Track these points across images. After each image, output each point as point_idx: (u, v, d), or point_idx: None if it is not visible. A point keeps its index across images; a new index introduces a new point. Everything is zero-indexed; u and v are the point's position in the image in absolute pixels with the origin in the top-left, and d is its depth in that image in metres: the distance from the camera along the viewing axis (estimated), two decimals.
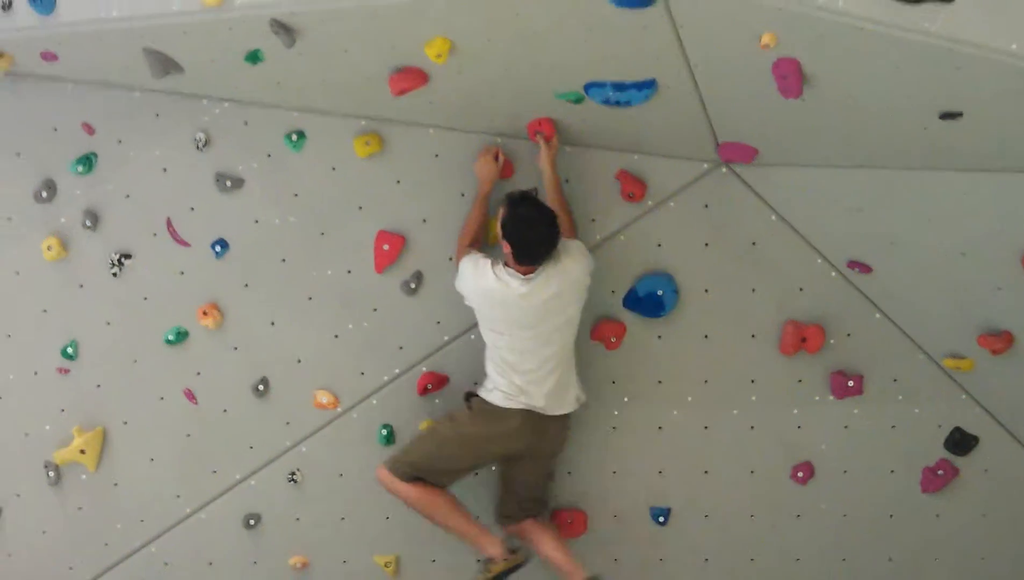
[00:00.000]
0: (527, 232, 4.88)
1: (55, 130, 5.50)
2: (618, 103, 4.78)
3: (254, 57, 4.90)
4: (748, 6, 3.88)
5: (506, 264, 4.98)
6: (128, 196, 5.51)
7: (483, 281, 4.99)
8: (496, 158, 5.20)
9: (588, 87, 4.77)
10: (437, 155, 5.36)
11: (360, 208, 5.42)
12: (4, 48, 5.22)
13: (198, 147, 5.44)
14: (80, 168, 5.50)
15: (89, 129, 5.48)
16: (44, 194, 5.53)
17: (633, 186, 5.26)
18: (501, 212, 4.97)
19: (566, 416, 5.19)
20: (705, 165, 5.24)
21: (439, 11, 4.40)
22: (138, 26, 4.81)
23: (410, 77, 4.88)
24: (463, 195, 5.31)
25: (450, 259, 5.25)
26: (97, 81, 5.42)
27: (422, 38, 4.63)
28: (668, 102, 4.74)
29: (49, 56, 5.22)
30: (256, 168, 5.45)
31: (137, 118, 5.46)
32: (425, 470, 5.16)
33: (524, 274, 4.94)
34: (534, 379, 5.03)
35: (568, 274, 4.96)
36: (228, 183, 5.45)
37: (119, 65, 5.22)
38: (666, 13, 4.12)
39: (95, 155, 5.51)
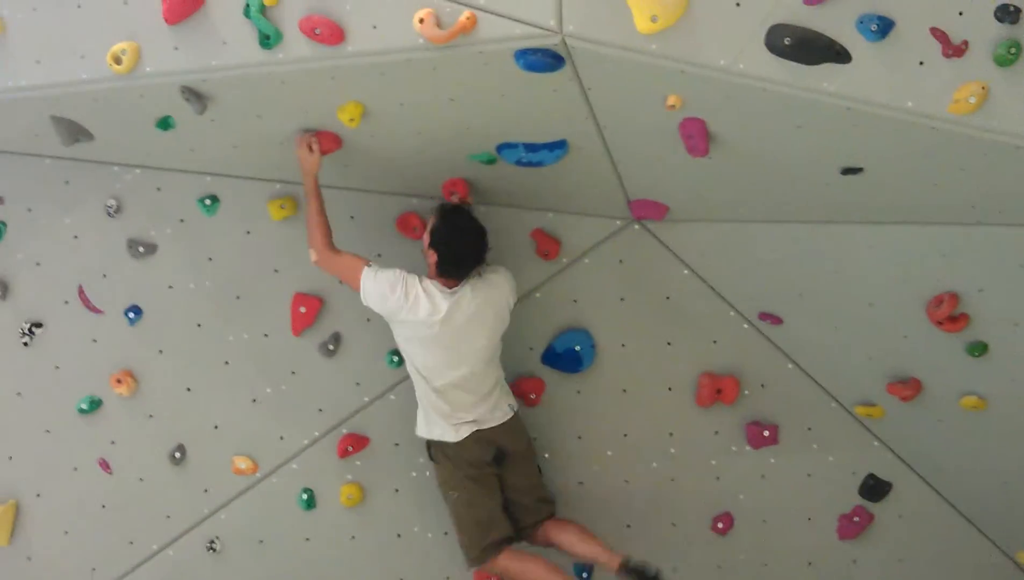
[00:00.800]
0: (458, 242, 4.87)
1: None
2: (531, 163, 4.85)
3: (165, 124, 4.89)
4: (653, 69, 3.97)
5: (429, 276, 4.95)
6: (39, 264, 5.44)
7: (412, 299, 4.88)
8: (311, 147, 4.91)
9: (501, 148, 4.83)
10: (352, 217, 5.36)
11: (276, 271, 5.41)
12: None
13: (110, 214, 5.40)
14: None
15: None
16: None
17: (548, 244, 5.32)
18: (431, 221, 4.94)
19: (513, 417, 5.16)
20: (618, 222, 5.31)
21: (350, 77, 4.44)
22: (46, 94, 4.77)
23: (324, 141, 4.90)
24: (379, 255, 5.32)
25: (314, 263, 5.03)
26: (5, 149, 5.36)
27: (335, 103, 4.66)
28: (579, 162, 4.81)
29: None
30: (169, 233, 5.41)
31: (47, 186, 5.40)
32: (484, 531, 5.12)
33: (448, 287, 4.92)
34: (467, 401, 5.01)
35: (494, 289, 4.97)
36: (141, 249, 5.40)
37: (27, 133, 5.17)
38: (574, 76, 4.19)
39: (4, 224, 5.43)
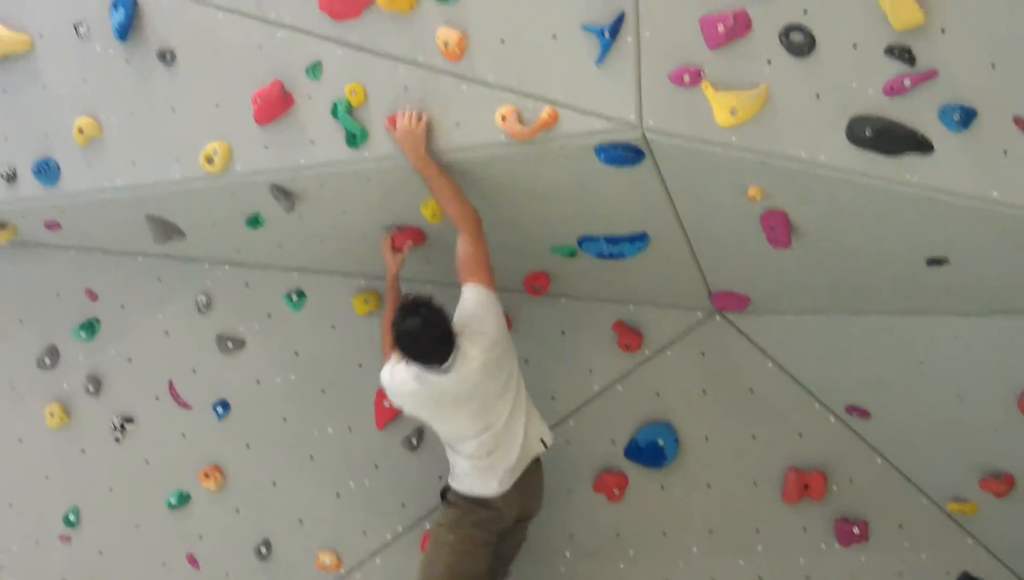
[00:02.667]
0: (414, 346, 4.55)
1: (58, 296, 5.59)
2: (612, 256, 4.87)
3: (255, 221, 5.01)
4: (733, 161, 3.99)
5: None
6: (130, 360, 5.56)
7: (406, 387, 4.69)
8: (394, 247, 4.95)
9: (582, 241, 4.87)
10: None
11: (360, 365, 5.46)
12: (8, 219, 5.35)
13: (200, 310, 5.51)
14: (83, 334, 5.56)
15: (92, 295, 5.56)
16: (47, 361, 5.59)
17: (629, 337, 5.31)
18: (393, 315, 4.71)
19: (538, 465, 4.94)
20: (699, 314, 5.29)
21: None
22: (141, 194, 4.94)
23: (407, 235, 4.98)
24: None
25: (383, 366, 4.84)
26: (100, 248, 5.52)
27: (418, 198, 4.74)
28: (660, 254, 4.82)
29: (53, 225, 5.34)
30: (257, 329, 5.51)
31: (139, 283, 5.54)
32: None
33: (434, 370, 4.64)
34: (495, 453, 4.77)
35: (473, 361, 4.59)
36: (230, 344, 5.50)
37: (122, 232, 5.33)
38: (655, 169, 4.23)
39: (98, 321, 5.58)
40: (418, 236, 5.00)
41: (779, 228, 4.29)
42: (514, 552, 5.17)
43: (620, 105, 4.06)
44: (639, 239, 4.77)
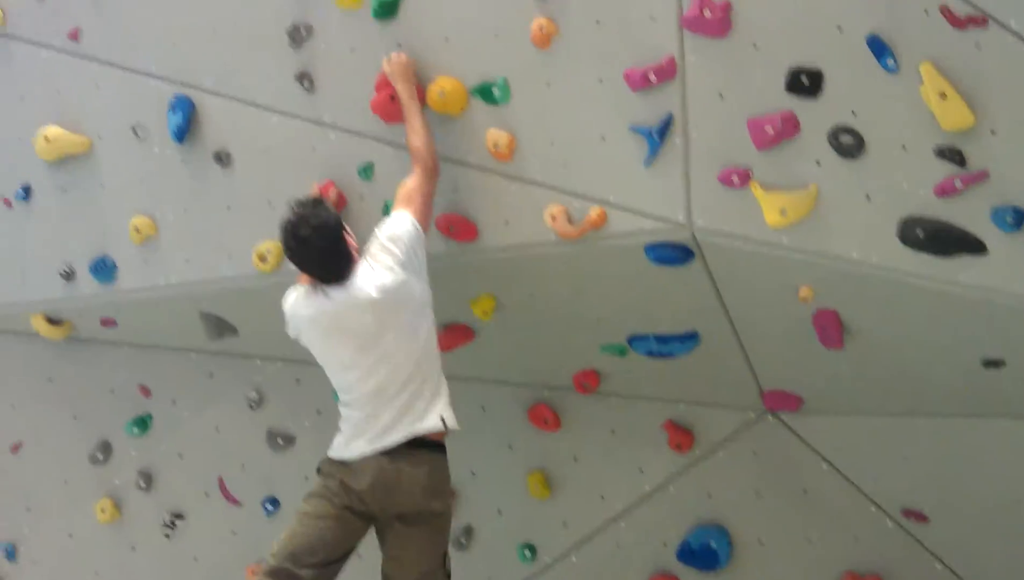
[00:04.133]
0: (302, 260, 4.22)
1: (112, 392, 5.65)
2: (662, 354, 4.84)
3: None
4: (784, 262, 3.98)
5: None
6: (181, 456, 5.59)
7: (300, 310, 4.33)
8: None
9: (632, 340, 4.84)
10: (483, 408, 5.40)
11: None
12: (65, 316, 5.43)
13: (251, 406, 5.54)
14: (135, 429, 5.60)
15: (145, 391, 5.61)
16: (99, 456, 5.63)
17: (680, 436, 5.25)
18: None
19: (434, 455, 4.26)
20: (751, 414, 5.23)
21: (483, 271, 4.55)
22: (194, 291, 5.01)
23: (456, 334, 4.98)
24: (510, 447, 5.32)
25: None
26: (154, 344, 5.58)
27: (468, 296, 4.76)
28: (711, 353, 4.79)
29: (108, 322, 5.42)
30: (307, 425, 5.51)
31: (192, 379, 5.59)
32: (285, 557, 4.18)
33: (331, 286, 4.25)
34: (375, 403, 4.23)
35: (373, 281, 4.18)
36: (280, 441, 5.51)
37: (175, 328, 5.39)
38: (704, 269, 4.22)
39: (150, 416, 5.62)
40: (467, 333, 5.00)
41: (831, 328, 4.25)
42: (397, 570, 4.34)
43: (669, 205, 4.07)
44: (689, 338, 4.74)
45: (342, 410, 4.40)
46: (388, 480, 4.20)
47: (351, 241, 4.28)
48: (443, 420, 4.26)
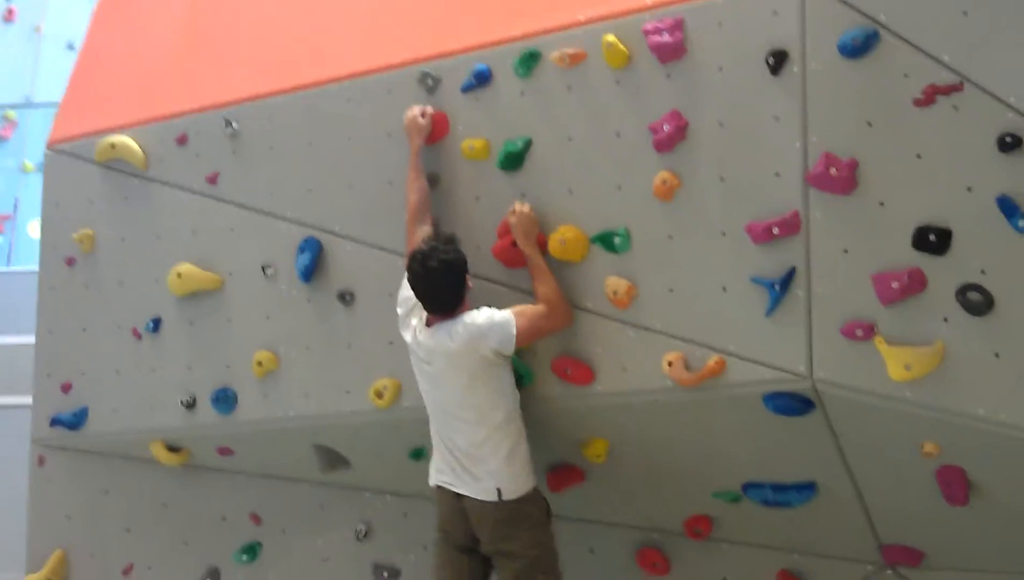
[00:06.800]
0: (422, 287, 4.45)
1: (223, 519, 5.70)
2: (777, 504, 4.76)
3: (418, 454, 5.08)
4: (907, 417, 3.92)
5: None
6: None
7: (407, 316, 4.61)
8: (423, 115, 4.79)
9: (746, 487, 4.78)
10: (592, 550, 5.34)
11: None
12: (184, 443, 5.54)
13: (358, 538, 5.55)
14: (244, 557, 5.64)
15: (256, 519, 5.66)
16: None
17: None
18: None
19: (498, 509, 4.45)
20: (869, 567, 5.09)
21: (597, 415, 4.55)
22: (311, 425, 5.09)
23: (567, 476, 4.97)
24: None
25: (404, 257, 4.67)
26: (268, 474, 5.65)
27: (580, 439, 4.76)
28: (829, 504, 4.70)
29: (225, 451, 5.51)
30: (413, 560, 5.50)
31: (302, 509, 5.63)
32: None
33: (427, 324, 4.53)
34: (438, 443, 4.57)
35: (455, 339, 4.40)
36: (385, 574, 5.50)
37: (289, 459, 5.46)
38: (824, 421, 4.18)
39: (260, 544, 5.66)
40: (578, 475, 4.98)
41: (956, 485, 4.16)
42: None
43: (790, 356, 4.06)
44: (807, 488, 4.66)
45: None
46: (456, 510, 4.54)
47: (469, 284, 4.50)
48: (499, 492, 4.43)
